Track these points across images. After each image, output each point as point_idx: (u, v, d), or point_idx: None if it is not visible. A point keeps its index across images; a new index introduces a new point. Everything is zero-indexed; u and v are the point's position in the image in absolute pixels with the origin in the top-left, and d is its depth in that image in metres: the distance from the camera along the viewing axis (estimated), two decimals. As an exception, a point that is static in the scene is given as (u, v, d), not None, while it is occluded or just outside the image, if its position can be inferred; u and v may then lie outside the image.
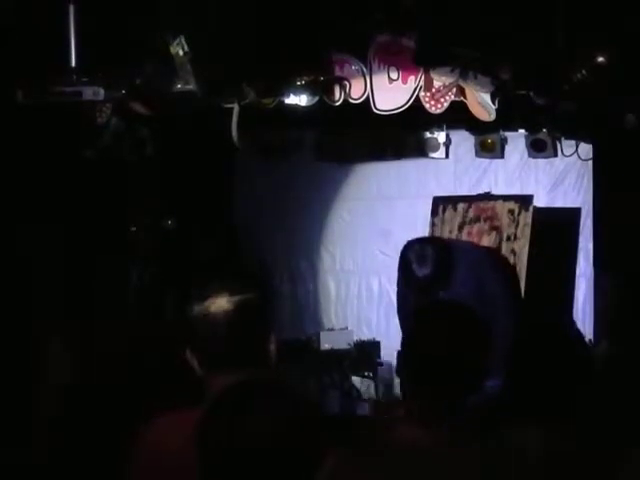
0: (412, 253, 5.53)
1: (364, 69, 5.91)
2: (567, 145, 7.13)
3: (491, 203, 7.09)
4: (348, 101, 5.97)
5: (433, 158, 7.50)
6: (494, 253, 6.59)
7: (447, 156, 7.53)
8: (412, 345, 2.50)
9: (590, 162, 7.01)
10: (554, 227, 7.14)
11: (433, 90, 5.84)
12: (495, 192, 7.27)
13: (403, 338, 2.61)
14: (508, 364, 2.68)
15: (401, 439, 2.40)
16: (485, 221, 7.02)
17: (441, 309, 2.62)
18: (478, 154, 7.43)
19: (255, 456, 1.71)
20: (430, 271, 5.46)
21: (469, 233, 6.94)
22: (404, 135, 7.53)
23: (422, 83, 5.85)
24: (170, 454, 2.30)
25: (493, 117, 5.87)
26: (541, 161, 7.35)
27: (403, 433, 2.41)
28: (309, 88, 5.85)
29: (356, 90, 5.95)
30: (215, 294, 2.42)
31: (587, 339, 2.75)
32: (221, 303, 2.41)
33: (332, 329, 7.76)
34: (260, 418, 1.73)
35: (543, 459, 2.48)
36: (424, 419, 2.40)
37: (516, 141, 7.37)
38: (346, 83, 5.92)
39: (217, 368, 2.41)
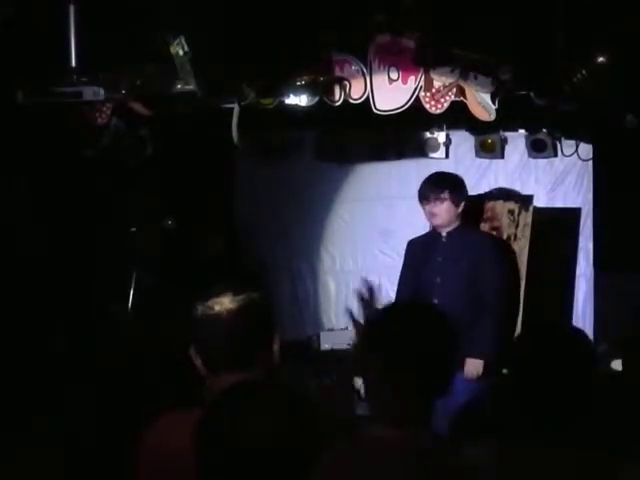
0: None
1: (364, 69, 5.91)
2: (567, 145, 7.13)
3: (491, 203, 7.10)
4: (348, 101, 5.96)
5: (433, 158, 7.49)
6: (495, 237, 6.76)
7: (447, 156, 7.52)
8: (379, 344, 2.45)
9: (590, 162, 7.02)
10: (554, 227, 7.15)
11: (433, 90, 5.84)
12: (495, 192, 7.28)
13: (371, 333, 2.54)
14: (508, 364, 2.68)
15: (376, 438, 2.38)
16: (485, 222, 7.03)
17: (408, 310, 2.60)
18: (478, 154, 7.42)
19: (256, 456, 1.71)
20: (439, 185, 6.08)
21: (469, 233, 6.94)
22: (404, 135, 7.52)
23: (422, 83, 5.85)
24: (172, 454, 2.30)
25: (493, 117, 5.86)
26: (541, 161, 7.34)
27: (377, 432, 2.39)
28: (309, 88, 5.84)
29: (356, 90, 5.95)
30: (219, 294, 2.43)
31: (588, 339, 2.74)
32: (225, 303, 2.42)
33: (332, 329, 7.75)
34: (261, 418, 1.73)
35: (542, 459, 2.48)
36: (396, 419, 2.38)
37: (516, 141, 7.36)
38: (346, 83, 5.92)
39: (220, 367, 2.41)
